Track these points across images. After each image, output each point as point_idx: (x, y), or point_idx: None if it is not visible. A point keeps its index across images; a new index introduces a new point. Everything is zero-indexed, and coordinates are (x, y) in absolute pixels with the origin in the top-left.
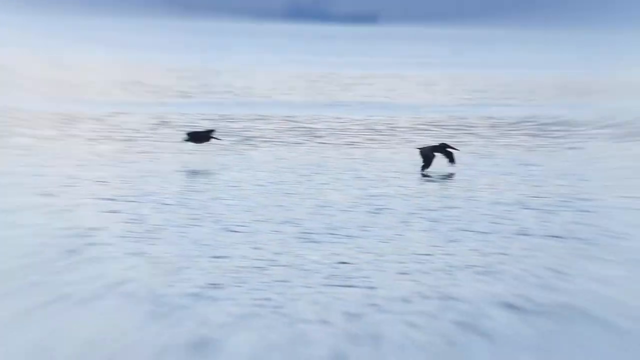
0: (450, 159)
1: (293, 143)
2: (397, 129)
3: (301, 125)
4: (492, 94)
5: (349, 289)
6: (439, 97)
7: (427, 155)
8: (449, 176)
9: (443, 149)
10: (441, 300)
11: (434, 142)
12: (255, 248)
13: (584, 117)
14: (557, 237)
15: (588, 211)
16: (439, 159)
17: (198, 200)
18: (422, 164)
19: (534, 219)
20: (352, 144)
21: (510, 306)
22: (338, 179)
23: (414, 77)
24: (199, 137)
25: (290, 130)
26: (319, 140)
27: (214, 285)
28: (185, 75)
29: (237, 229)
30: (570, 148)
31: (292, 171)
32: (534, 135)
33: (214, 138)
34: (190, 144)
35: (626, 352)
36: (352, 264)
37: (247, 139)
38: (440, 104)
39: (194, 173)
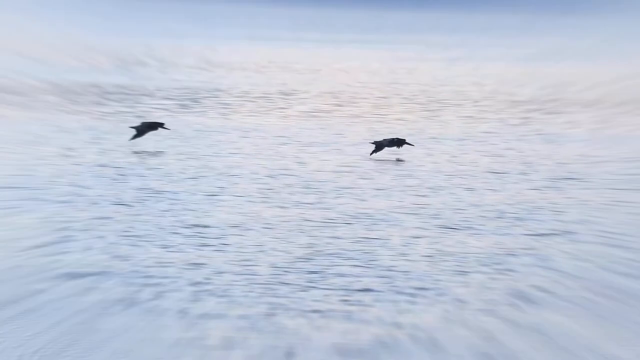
0: None
1: None
2: None
3: None
4: (54, 59)
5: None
6: None
7: None
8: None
9: None
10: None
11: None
12: None
13: (146, 88)
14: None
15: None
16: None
17: None
18: None
19: (111, 186)
20: None
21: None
22: None
23: None
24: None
25: None
26: None
27: None
28: None
29: None
30: (137, 116)
31: None
32: (100, 104)
33: (163, 128)
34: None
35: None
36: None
37: None
38: None
39: None
